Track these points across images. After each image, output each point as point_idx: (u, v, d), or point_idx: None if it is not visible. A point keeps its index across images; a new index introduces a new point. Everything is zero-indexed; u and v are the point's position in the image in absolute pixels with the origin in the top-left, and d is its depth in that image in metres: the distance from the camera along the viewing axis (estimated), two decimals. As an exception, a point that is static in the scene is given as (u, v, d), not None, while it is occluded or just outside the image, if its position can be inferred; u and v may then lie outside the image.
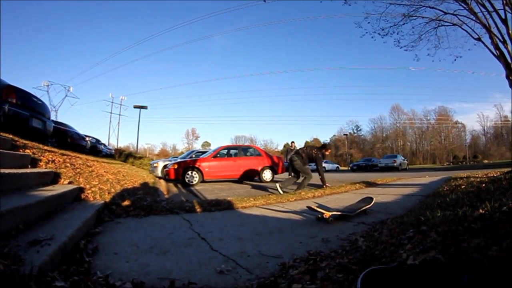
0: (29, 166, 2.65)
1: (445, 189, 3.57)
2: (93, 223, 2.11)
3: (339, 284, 1.00)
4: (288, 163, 8.43)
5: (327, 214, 2.35)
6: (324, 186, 4.94)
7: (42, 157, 3.03)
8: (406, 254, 1.07)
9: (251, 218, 2.66)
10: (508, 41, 5.07)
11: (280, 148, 69.36)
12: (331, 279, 1.04)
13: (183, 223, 2.42)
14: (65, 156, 3.84)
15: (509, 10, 4.95)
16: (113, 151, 16.27)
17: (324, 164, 25.35)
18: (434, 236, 1.24)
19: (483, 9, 5.32)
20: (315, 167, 5.21)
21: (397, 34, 6.87)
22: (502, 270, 0.69)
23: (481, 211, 1.51)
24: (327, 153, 5.20)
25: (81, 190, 2.69)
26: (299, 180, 7.96)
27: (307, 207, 2.58)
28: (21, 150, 2.89)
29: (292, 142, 9.17)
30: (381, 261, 1.12)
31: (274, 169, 7.83)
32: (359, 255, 1.25)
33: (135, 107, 30.42)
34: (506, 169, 5.48)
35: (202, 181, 7.17)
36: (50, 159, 3.16)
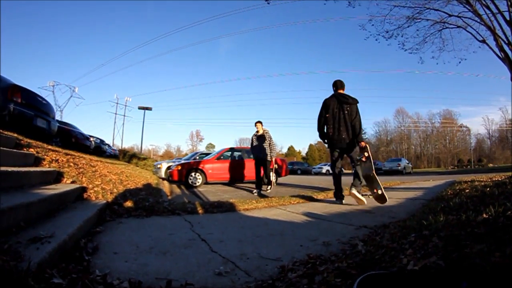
0: (33, 165, 2.68)
1: (449, 193, 3.52)
2: (94, 222, 2.12)
3: (337, 288, 0.98)
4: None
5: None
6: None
7: (45, 156, 3.06)
8: (407, 259, 1.05)
9: (252, 220, 2.65)
10: (513, 43, 5.03)
11: (284, 150, 69.34)
12: (329, 283, 1.02)
13: (184, 224, 2.42)
14: (69, 156, 3.88)
15: (513, 12, 4.92)
16: (117, 151, 16.42)
17: (327, 167, 25.12)
18: (436, 241, 1.21)
19: (487, 11, 5.30)
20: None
21: (402, 36, 6.88)
22: (503, 277, 0.67)
23: (484, 215, 1.48)
24: None
25: (83, 189, 2.71)
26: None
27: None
28: (25, 149, 2.92)
29: (258, 122, 5.80)
30: (380, 265, 1.11)
31: (277, 172, 7.80)
32: (359, 260, 1.24)
33: (140, 108, 30.69)
34: (511, 173, 5.38)
35: (205, 182, 7.18)
36: (54, 158, 3.19)
